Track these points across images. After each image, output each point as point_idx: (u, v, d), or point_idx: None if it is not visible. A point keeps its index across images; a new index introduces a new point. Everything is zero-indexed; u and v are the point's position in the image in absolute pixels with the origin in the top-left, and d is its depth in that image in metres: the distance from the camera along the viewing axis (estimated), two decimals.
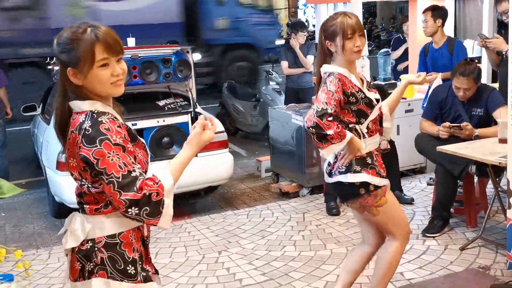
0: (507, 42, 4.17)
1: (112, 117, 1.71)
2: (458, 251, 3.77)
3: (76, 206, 1.85)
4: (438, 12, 4.72)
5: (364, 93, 2.66)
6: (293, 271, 3.65)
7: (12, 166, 6.59)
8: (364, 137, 2.67)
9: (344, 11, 2.70)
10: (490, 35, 4.79)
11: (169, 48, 5.15)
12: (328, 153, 2.65)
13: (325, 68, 2.70)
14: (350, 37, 2.60)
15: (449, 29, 5.65)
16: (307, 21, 25.55)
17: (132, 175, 1.61)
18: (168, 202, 1.64)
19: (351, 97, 2.62)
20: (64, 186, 4.38)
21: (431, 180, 5.17)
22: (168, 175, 1.68)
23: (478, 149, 3.60)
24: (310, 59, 6.45)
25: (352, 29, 2.59)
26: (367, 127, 2.69)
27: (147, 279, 1.81)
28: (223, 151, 4.95)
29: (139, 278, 1.76)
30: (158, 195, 1.61)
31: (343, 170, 2.68)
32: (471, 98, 4.05)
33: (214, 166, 4.86)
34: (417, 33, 5.48)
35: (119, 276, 1.73)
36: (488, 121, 4.03)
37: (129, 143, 1.68)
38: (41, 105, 6.22)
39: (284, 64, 6.63)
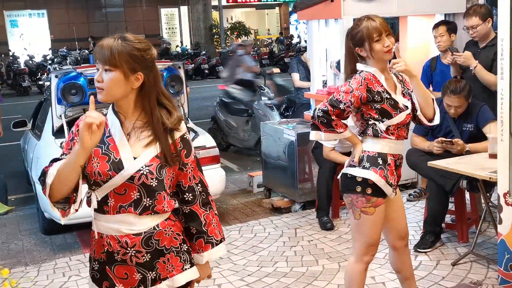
0: (476, 58, 4.20)
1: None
2: (450, 266, 3.77)
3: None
4: (452, 27, 4.75)
5: (390, 94, 2.69)
6: (285, 287, 3.62)
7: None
8: (379, 136, 2.70)
9: (367, 15, 2.72)
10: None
11: (160, 63, 5.15)
12: (327, 138, 2.75)
13: (359, 67, 2.75)
14: (378, 40, 2.63)
15: None
16: (299, 36, 25.80)
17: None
18: (48, 176, 1.89)
19: (376, 95, 2.66)
20: None
21: (411, 196, 5.18)
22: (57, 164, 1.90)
23: (469, 164, 3.62)
24: None
25: (378, 31, 2.63)
26: (387, 128, 2.70)
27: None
28: (215, 166, 4.94)
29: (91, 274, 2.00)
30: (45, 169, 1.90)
31: (355, 164, 2.74)
32: (461, 114, 4.08)
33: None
34: (407, 50, 5.52)
35: None
36: (478, 136, 4.05)
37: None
38: (31, 121, 6.19)
39: (295, 76, 6.68)
